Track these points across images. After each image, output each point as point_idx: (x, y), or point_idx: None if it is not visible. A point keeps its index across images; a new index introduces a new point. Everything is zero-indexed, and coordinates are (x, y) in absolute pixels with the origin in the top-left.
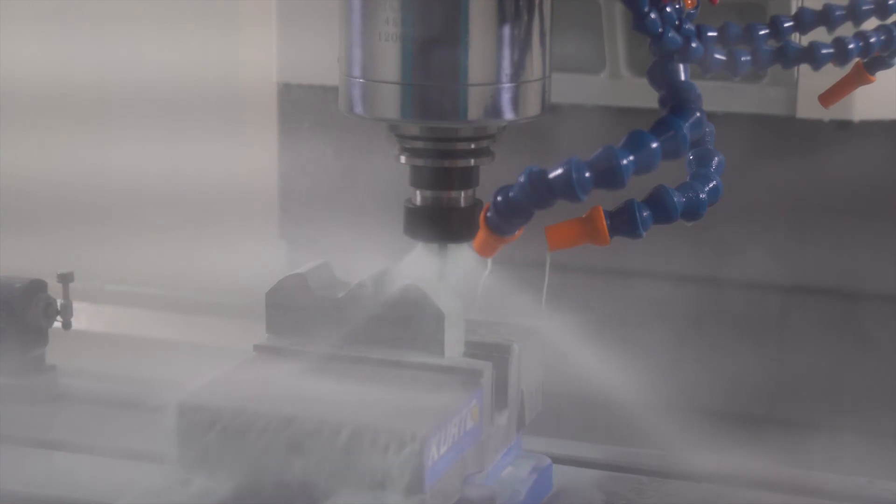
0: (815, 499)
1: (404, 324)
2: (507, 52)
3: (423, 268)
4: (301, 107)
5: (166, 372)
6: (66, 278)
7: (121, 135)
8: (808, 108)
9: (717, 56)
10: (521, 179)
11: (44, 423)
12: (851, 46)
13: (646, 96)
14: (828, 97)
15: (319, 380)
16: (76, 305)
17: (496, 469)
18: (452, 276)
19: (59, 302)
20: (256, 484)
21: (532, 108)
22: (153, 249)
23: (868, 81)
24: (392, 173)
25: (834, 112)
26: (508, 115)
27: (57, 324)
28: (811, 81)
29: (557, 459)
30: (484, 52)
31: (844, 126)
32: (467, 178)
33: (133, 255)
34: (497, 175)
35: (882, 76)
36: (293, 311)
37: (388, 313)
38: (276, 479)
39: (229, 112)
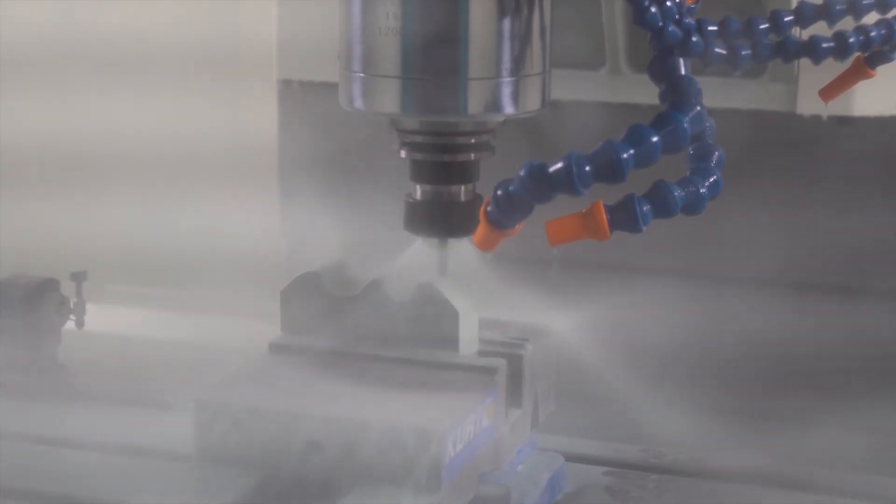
0: (823, 496)
1: (419, 322)
2: (507, 47)
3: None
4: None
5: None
6: (79, 277)
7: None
8: (809, 104)
9: (718, 50)
10: (522, 173)
11: (56, 421)
12: (852, 40)
13: (646, 92)
14: (828, 92)
15: (335, 377)
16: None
17: (510, 467)
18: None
19: (72, 301)
20: (273, 480)
21: (532, 102)
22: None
23: (868, 76)
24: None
25: (834, 108)
26: (508, 109)
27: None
28: (811, 77)
29: (571, 457)
30: (484, 46)
31: (844, 122)
32: (467, 173)
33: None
34: (497, 170)
35: (882, 72)
36: (308, 309)
37: (403, 311)
38: (292, 476)
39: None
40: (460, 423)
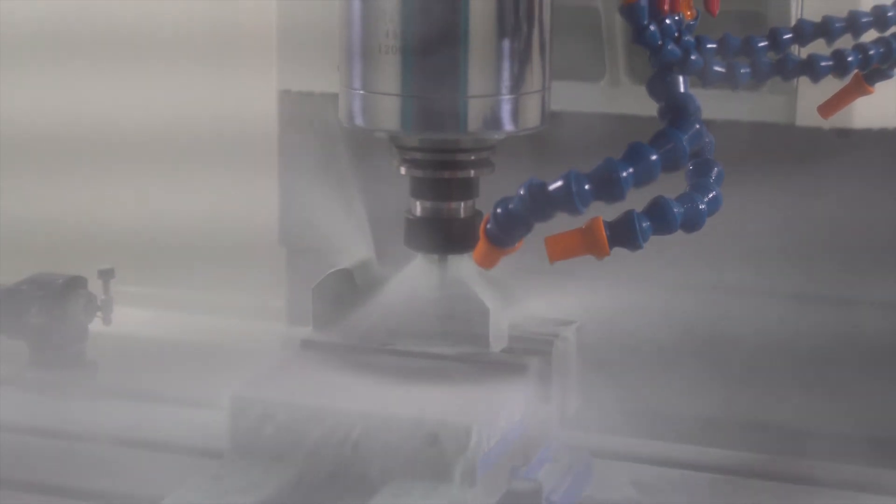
0: (842, 491)
1: (450, 318)
2: (506, 64)
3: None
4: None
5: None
6: (106, 274)
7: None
8: (808, 116)
9: (717, 68)
10: (522, 192)
11: (85, 417)
12: (850, 59)
13: (646, 104)
14: (827, 108)
15: (367, 373)
16: None
17: (538, 462)
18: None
19: (99, 298)
20: (307, 475)
21: (532, 119)
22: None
23: (867, 92)
24: None
25: (834, 120)
26: (508, 126)
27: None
28: (811, 89)
29: (596, 453)
30: (484, 64)
31: (844, 134)
32: (467, 189)
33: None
34: (498, 184)
35: (882, 85)
36: (339, 306)
37: (434, 308)
38: (326, 471)
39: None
40: (494, 419)
